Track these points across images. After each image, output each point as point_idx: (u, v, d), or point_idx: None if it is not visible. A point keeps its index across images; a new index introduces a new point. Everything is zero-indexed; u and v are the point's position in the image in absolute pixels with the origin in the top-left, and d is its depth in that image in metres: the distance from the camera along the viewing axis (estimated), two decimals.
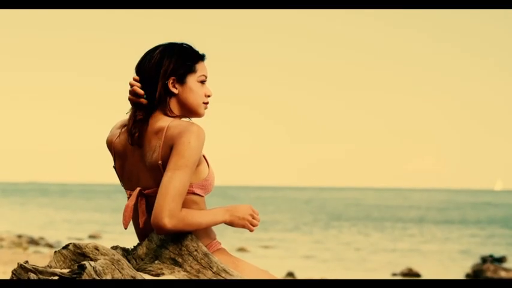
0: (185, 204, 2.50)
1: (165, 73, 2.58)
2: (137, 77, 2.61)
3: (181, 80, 2.61)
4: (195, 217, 2.46)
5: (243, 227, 2.59)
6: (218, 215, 2.54)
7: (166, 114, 2.58)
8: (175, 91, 2.60)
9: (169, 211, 2.38)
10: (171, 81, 2.59)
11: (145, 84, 2.58)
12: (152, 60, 2.58)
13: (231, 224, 2.57)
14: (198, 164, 2.53)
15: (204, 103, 2.66)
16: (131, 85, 2.61)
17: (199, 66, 2.64)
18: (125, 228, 2.58)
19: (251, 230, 2.61)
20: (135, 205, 2.60)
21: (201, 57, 2.66)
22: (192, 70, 2.62)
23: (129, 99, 2.62)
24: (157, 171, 2.51)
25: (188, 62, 2.61)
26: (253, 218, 2.61)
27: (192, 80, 2.62)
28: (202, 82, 2.65)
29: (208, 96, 2.67)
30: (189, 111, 2.64)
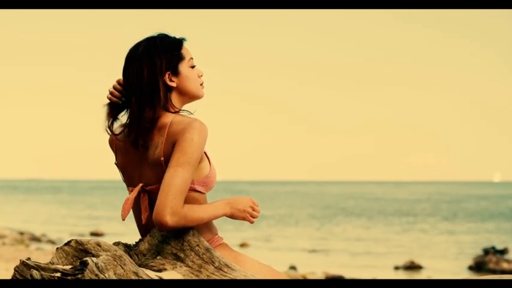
0: (186, 202, 2.49)
1: (161, 71, 2.57)
2: (118, 85, 2.64)
3: (175, 72, 2.60)
4: (196, 212, 2.46)
5: (244, 219, 2.60)
6: (219, 209, 2.53)
7: (167, 110, 2.58)
8: (173, 85, 2.60)
9: (171, 208, 2.38)
10: (167, 77, 2.59)
11: (140, 88, 2.55)
12: (142, 62, 2.55)
13: (231, 216, 2.58)
14: (200, 161, 2.53)
15: (200, 84, 2.68)
16: (114, 89, 2.65)
17: (184, 52, 2.65)
18: (123, 220, 2.59)
19: (251, 222, 2.62)
20: (138, 201, 2.60)
21: (182, 42, 2.66)
22: (181, 58, 2.62)
23: (108, 98, 2.66)
24: (160, 167, 2.50)
25: (175, 51, 2.61)
26: (253, 210, 2.61)
27: (184, 68, 2.62)
28: (193, 66, 2.66)
29: (201, 76, 2.69)
30: (190, 98, 2.66)
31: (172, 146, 2.48)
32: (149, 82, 2.54)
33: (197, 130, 2.47)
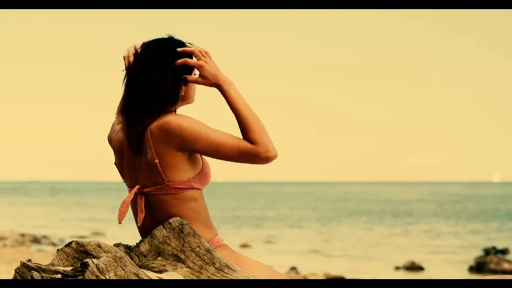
0: (184, 203, 2.50)
1: (182, 83, 2.56)
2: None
3: (185, 82, 2.59)
4: (252, 119, 2.49)
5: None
6: (234, 92, 2.52)
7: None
8: (182, 93, 2.58)
9: (264, 145, 2.45)
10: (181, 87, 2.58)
11: (163, 98, 2.50)
12: (166, 72, 2.50)
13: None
14: (192, 158, 2.52)
15: None
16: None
17: None
18: (119, 223, 2.58)
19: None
20: (134, 202, 2.60)
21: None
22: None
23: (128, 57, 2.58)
24: (155, 169, 2.49)
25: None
26: (205, 55, 2.56)
27: (190, 77, 2.59)
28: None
29: None
30: (186, 103, 2.64)
31: (162, 145, 2.46)
32: (172, 94, 2.52)
33: (175, 118, 2.45)
